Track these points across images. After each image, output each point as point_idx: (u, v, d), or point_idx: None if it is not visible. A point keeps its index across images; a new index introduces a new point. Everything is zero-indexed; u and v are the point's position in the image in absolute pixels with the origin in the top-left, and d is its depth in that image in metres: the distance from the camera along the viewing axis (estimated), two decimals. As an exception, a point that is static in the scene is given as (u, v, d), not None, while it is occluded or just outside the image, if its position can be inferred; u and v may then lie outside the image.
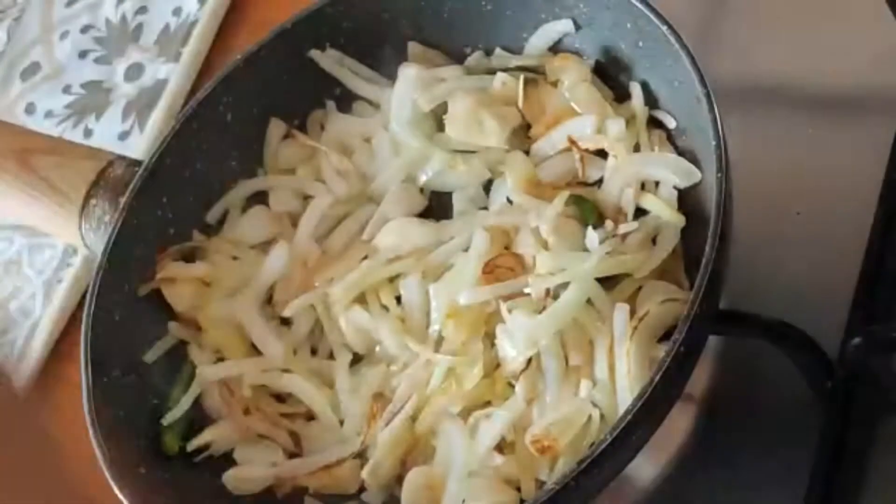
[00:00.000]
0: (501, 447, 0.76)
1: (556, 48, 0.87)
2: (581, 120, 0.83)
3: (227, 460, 0.84)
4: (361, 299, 0.85)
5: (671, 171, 0.79)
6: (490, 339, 0.79)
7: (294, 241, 0.89)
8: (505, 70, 0.88)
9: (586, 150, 0.83)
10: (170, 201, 0.90)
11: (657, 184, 0.80)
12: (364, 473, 0.78)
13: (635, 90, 0.82)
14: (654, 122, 0.82)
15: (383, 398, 0.82)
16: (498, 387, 0.78)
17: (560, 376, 0.76)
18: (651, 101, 0.82)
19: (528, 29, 0.88)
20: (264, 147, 0.93)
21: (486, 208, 0.86)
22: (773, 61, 0.92)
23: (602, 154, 0.83)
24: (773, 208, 0.85)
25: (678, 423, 0.79)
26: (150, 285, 0.87)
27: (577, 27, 0.86)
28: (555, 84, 0.86)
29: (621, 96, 0.84)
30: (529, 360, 0.76)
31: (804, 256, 0.83)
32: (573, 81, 0.84)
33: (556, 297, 0.76)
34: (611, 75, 0.85)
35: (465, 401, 0.78)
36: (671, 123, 0.81)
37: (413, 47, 0.91)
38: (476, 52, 0.91)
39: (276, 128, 0.93)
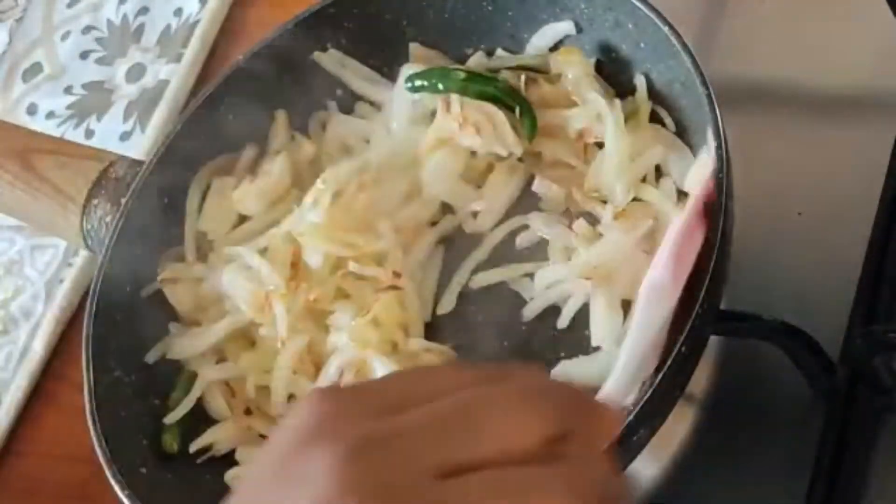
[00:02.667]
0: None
1: (556, 49, 0.87)
2: (583, 110, 0.83)
3: (230, 460, 0.84)
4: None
5: (667, 151, 0.79)
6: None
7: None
8: (506, 69, 0.88)
9: (588, 142, 0.83)
10: (171, 202, 0.90)
11: (658, 178, 0.80)
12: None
13: (640, 81, 0.82)
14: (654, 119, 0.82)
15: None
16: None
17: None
18: (652, 99, 0.82)
19: (529, 29, 0.88)
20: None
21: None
22: (773, 61, 0.92)
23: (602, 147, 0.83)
24: (774, 208, 0.85)
25: (678, 423, 0.79)
26: (153, 286, 0.88)
27: (579, 28, 0.86)
28: (556, 80, 0.86)
29: (622, 96, 0.84)
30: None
31: (805, 256, 0.83)
32: (577, 75, 0.84)
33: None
34: (612, 76, 0.85)
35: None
36: (672, 125, 0.81)
37: (414, 48, 0.91)
38: (477, 52, 0.91)
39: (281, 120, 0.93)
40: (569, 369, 0.76)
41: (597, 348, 0.76)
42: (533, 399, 0.48)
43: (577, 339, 0.77)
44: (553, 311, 0.79)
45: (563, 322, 0.78)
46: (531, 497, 0.46)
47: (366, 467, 0.45)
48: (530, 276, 0.81)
